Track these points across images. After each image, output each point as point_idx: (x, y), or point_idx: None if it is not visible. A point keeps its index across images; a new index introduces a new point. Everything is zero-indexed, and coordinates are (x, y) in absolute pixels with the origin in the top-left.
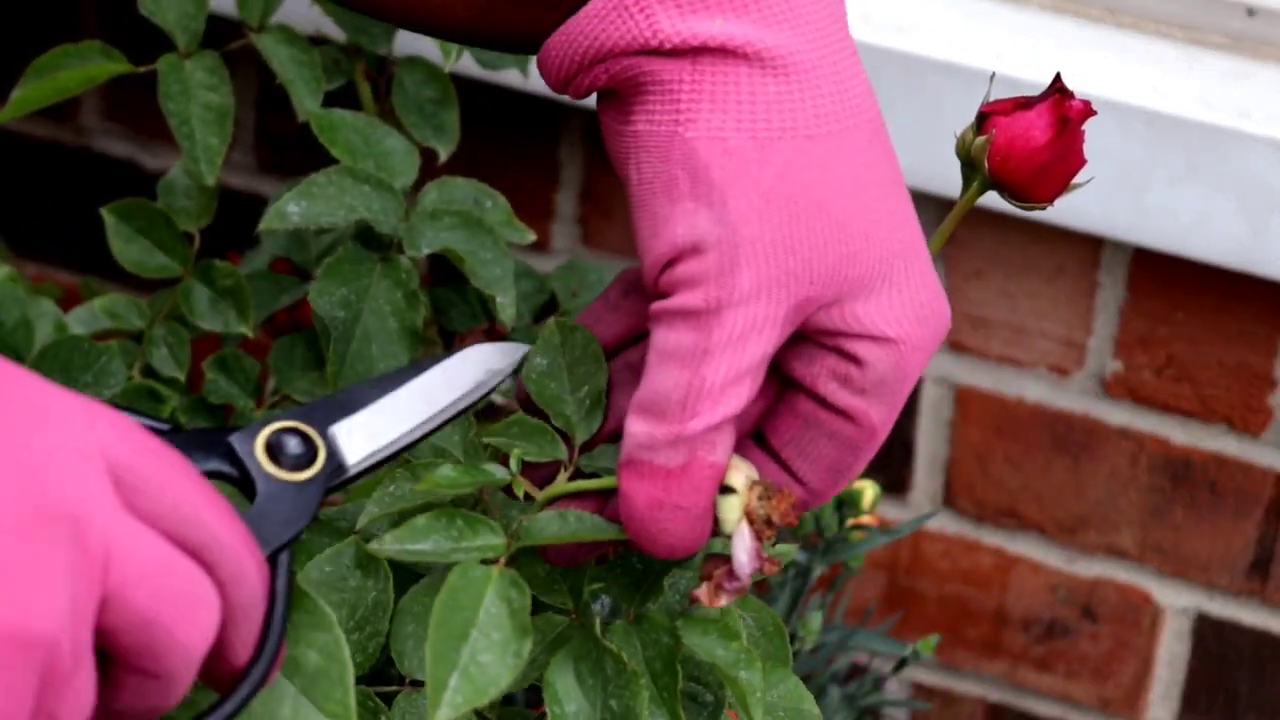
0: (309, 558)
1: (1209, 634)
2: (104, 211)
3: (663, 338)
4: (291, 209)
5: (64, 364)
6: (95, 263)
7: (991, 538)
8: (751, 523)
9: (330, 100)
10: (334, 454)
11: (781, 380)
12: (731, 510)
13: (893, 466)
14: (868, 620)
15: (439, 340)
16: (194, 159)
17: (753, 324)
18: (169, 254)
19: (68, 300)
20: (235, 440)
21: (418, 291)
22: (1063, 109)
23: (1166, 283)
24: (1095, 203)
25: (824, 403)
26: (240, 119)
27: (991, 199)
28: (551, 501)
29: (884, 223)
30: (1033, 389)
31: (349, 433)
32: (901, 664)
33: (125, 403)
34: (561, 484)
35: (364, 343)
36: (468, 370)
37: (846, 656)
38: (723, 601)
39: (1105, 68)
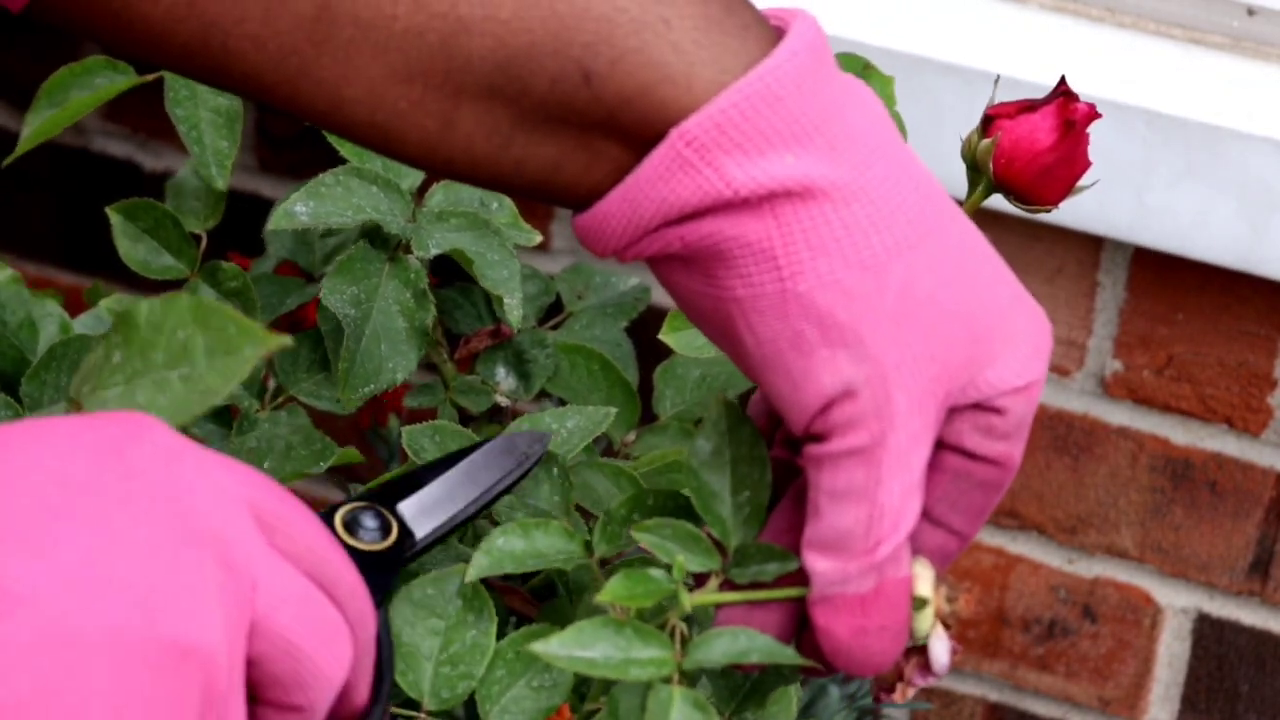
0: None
1: (1209, 634)
2: (110, 211)
3: (831, 479)
4: (299, 209)
5: (71, 363)
6: (95, 263)
7: (992, 538)
8: (945, 626)
9: None
10: (404, 528)
11: None
12: (925, 620)
13: None
14: None
15: (445, 341)
16: (204, 163)
17: (914, 440)
18: (176, 255)
19: (66, 304)
20: None
21: (426, 291)
22: (1068, 112)
23: (1166, 283)
24: (1095, 203)
25: (971, 455)
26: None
27: (992, 199)
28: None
29: (991, 290)
30: None
31: (414, 510)
32: None
33: None
34: (718, 594)
35: (374, 341)
36: (505, 454)
37: None
38: (911, 694)
39: (1105, 68)
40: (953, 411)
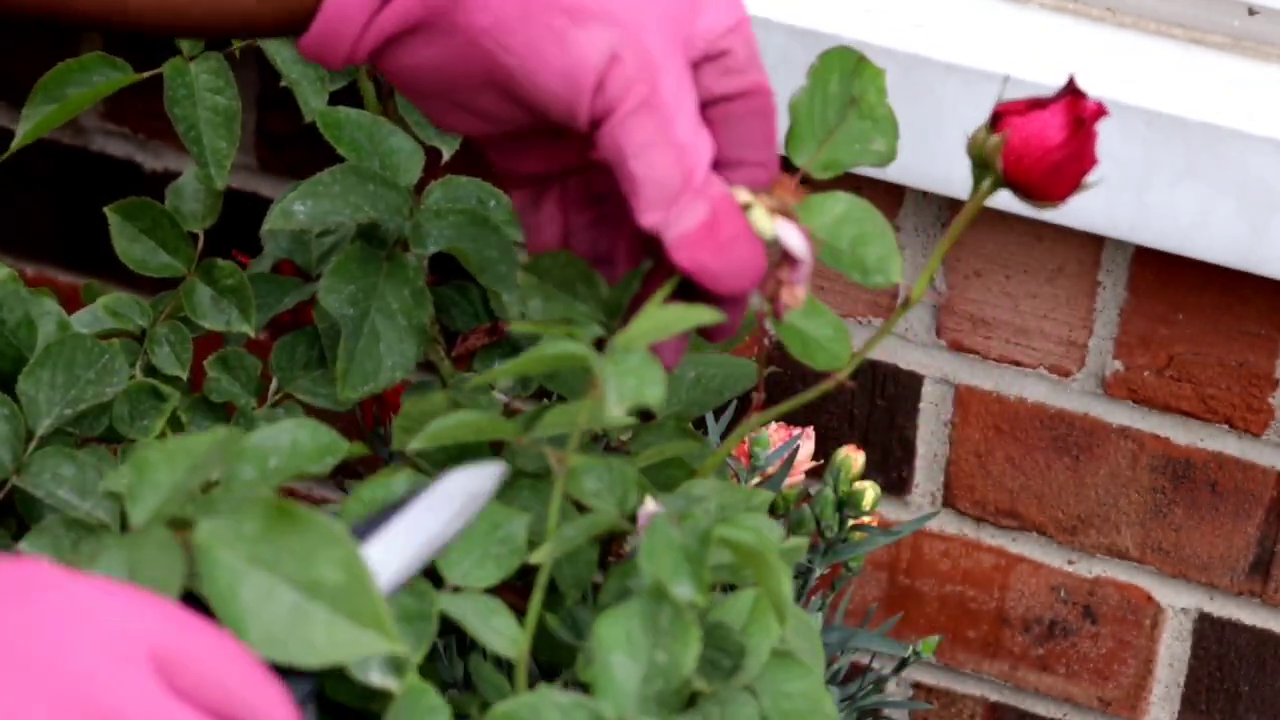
0: None
1: (1209, 634)
2: (108, 211)
3: (629, 138)
4: (297, 208)
5: (67, 361)
6: (94, 263)
7: (992, 538)
8: (781, 215)
9: (334, 100)
10: None
11: None
12: (761, 217)
13: (893, 466)
14: (868, 621)
15: (442, 339)
16: (202, 163)
17: (679, 82)
18: (173, 254)
19: (65, 304)
20: None
21: (424, 289)
22: (1077, 109)
23: (1167, 283)
24: (1096, 202)
25: (727, 98)
26: (240, 119)
27: (993, 198)
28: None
29: None
30: (1033, 389)
31: None
32: (902, 664)
33: (127, 400)
34: (625, 335)
35: (372, 340)
36: (451, 499)
37: (847, 657)
38: (801, 293)
39: (1105, 68)
40: (694, 70)
